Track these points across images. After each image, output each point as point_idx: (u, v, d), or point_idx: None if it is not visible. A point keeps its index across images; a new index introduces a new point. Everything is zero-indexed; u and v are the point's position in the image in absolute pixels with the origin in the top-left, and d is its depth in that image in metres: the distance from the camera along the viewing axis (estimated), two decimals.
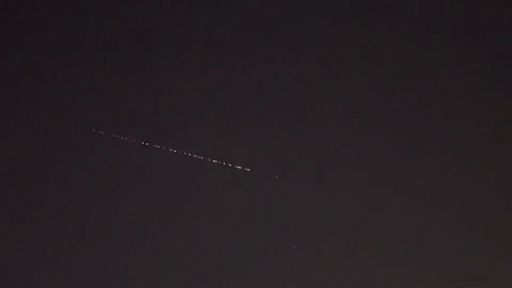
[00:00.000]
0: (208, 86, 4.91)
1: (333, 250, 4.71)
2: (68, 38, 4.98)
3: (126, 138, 4.85)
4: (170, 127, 4.87)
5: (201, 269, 4.73)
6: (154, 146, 4.85)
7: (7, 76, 4.95)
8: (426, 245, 4.65)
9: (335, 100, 4.87)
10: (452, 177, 4.74)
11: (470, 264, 4.62)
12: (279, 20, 4.95)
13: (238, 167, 4.81)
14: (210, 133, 4.86)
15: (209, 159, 4.82)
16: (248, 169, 4.80)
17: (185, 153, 4.83)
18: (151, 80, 4.93)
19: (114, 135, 4.86)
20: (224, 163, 4.81)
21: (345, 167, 4.79)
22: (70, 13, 4.98)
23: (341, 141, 4.82)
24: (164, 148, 4.83)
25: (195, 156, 4.83)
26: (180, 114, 4.89)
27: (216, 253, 4.74)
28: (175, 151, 4.83)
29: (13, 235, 4.79)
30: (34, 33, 5.00)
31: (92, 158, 4.85)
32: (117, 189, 4.82)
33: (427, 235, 4.67)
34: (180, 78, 4.93)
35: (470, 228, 4.67)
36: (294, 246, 4.71)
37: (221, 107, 4.88)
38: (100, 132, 4.86)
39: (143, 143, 4.85)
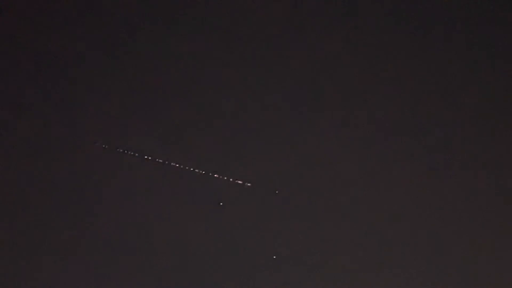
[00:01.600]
0: (210, 101, 5.00)
1: (333, 264, 4.84)
2: (71, 49, 5.04)
3: (128, 152, 4.93)
4: (172, 141, 4.96)
5: (200, 282, 4.84)
6: (157, 160, 4.94)
7: (7, 85, 4.99)
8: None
9: (337, 115, 4.98)
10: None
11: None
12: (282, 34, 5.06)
13: (239, 181, 4.92)
14: (211, 148, 4.96)
15: (210, 174, 4.93)
16: (249, 184, 4.92)
17: (187, 168, 4.93)
18: (155, 96, 5.01)
19: (118, 149, 4.94)
20: (225, 178, 4.92)
21: (346, 182, 4.91)
22: (75, 25, 5.05)
23: (342, 157, 4.94)
24: (166, 162, 4.93)
25: (196, 170, 4.93)
26: (182, 129, 4.97)
27: (216, 267, 4.85)
28: (177, 165, 4.93)
29: (12, 241, 4.86)
30: (35, 41, 5.04)
31: (95, 171, 4.93)
32: (119, 203, 4.90)
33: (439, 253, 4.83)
34: (183, 93, 5.01)
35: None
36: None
37: (223, 121, 4.98)
38: (104, 146, 4.94)
39: (145, 157, 4.94)
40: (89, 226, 4.88)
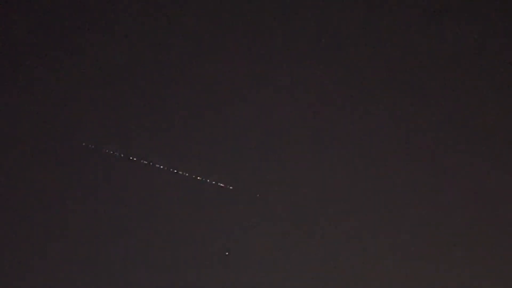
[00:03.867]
0: (192, 104, 5.06)
1: (318, 268, 4.91)
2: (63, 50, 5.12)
3: (115, 153, 5.02)
4: (156, 143, 5.03)
5: (180, 284, 4.94)
6: (142, 161, 5.02)
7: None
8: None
9: (322, 118, 5.02)
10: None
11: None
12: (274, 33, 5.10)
13: (221, 184, 5.00)
14: (194, 150, 5.02)
15: (193, 176, 5.00)
16: (230, 187, 4.99)
17: (171, 170, 5.01)
18: (140, 98, 5.08)
19: (105, 150, 5.03)
20: (207, 181, 5.00)
21: (329, 187, 4.96)
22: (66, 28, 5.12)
23: (325, 161, 4.98)
24: (151, 163, 5.01)
25: (180, 173, 5.01)
26: (166, 131, 5.04)
27: (199, 270, 4.93)
28: (161, 167, 5.01)
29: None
30: (28, 40, 5.12)
31: (82, 172, 5.02)
32: (104, 203, 4.99)
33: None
34: (168, 95, 5.08)
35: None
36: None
37: (206, 124, 5.04)
38: (90, 146, 5.03)
39: (130, 158, 5.02)
40: (75, 225, 4.97)
